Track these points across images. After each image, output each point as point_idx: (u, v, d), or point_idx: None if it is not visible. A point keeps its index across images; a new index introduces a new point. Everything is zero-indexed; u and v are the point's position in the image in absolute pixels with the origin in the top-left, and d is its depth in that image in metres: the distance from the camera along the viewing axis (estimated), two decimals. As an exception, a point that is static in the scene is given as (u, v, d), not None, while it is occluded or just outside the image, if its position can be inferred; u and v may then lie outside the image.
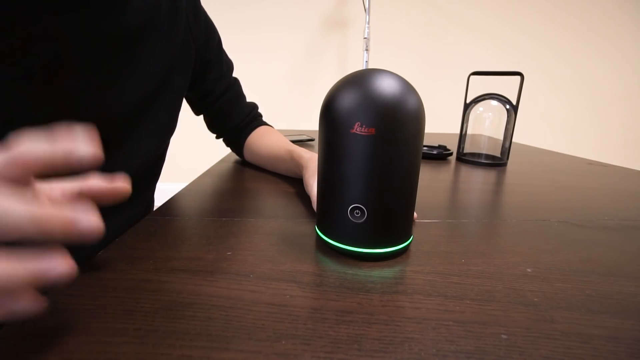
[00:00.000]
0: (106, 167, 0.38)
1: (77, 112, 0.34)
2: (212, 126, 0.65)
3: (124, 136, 0.40)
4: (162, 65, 0.44)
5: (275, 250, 0.31)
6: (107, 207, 0.41)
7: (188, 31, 0.49)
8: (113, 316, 0.21)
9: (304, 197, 0.46)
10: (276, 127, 0.74)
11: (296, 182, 0.53)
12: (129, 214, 0.45)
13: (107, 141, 0.38)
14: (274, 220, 0.38)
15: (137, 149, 0.43)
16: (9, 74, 0.29)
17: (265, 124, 0.69)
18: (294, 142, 0.89)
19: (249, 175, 0.57)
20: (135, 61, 0.39)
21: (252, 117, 0.66)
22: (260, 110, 0.70)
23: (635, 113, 2.09)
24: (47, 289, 0.25)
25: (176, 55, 0.46)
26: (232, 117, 0.63)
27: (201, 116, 0.65)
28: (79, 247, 0.41)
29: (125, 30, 0.37)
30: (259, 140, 0.63)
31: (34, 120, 0.31)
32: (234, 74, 0.64)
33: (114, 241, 0.31)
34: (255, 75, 1.98)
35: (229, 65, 0.62)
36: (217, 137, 0.68)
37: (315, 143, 0.93)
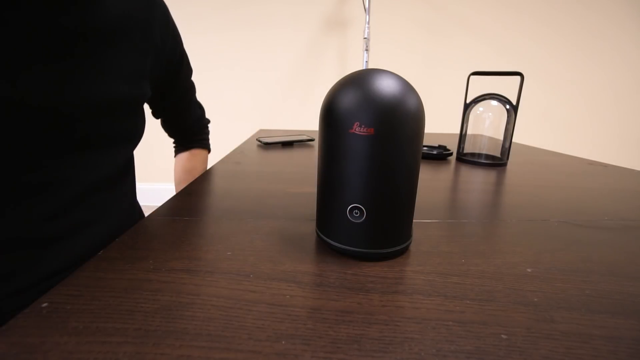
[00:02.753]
0: (73, 172, 0.39)
1: (40, 103, 0.34)
2: (165, 127, 0.72)
3: (88, 140, 0.40)
4: (131, 71, 0.44)
5: (275, 250, 0.31)
6: (87, 219, 0.41)
7: (159, 41, 0.51)
8: (113, 316, 0.21)
9: (304, 197, 0.46)
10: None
11: (296, 182, 0.53)
12: (110, 224, 0.45)
13: (71, 144, 0.38)
14: (274, 220, 0.38)
15: (101, 156, 0.42)
16: None
17: (202, 143, 0.77)
18: (294, 142, 0.89)
19: (249, 175, 0.57)
20: (102, 63, 0.40)
21: (198, 128, 0.75)
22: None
23: (635, 113, 2.09)
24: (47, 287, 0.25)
25: (146, 63, 0.47)
26: (183, 122, 0.71)
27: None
28: (78, 248, 0.41)
29: (93, 28, 0.38)
30: (183, 162, 0.74)
31: None
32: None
33: (113, 242, 0.31)
34: (256, 74, 1.98)
35: (190, 70, 0.67)
36: (170, 136, 0.75)
37: (316, 143, 0.93)
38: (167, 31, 0.53)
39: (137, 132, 0.48)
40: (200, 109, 0.74)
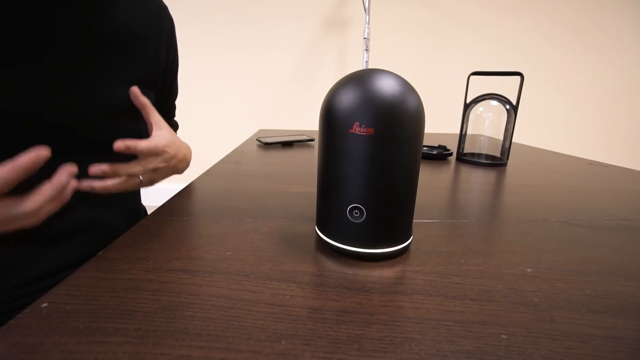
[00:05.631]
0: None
1: (47, 103, 0.35)
2: None
3: (93, 141, 0.41)
4: (139, 78, 0.45)
5: (275, 250, 0.31)
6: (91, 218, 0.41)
7: (165, 53, 0.52)
8: (113, 316, 0.21)
9: (303, 197, 0.46)
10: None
11: (296, 182, 0.53)
12: (114, 224, 0.45)
13: (76, 145, 0.38)
14: (274, 220, 0.38)
15: (105, 156, 0.42)
16: None
17: None
18: (294, 142, 0.89)
19: (249, 175, 0.57)
20: (109, 67, 0.40)
21: None
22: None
23: (635, 113, 2.09)
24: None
25: (151, 72, 0.48)
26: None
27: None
28: (84, 246, 0.41)
29: (101, 33, 0.39)
30: None
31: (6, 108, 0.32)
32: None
33: (113, 242, 0.31)
34: (256, 74, 1.98)
35: (177, 91, 0.66)
36: None
37: (316, 143, 0.93)
38: (172, 45, 0.55)
39: (141, 135, 0.49)
40: (174, 126, 0.73)
